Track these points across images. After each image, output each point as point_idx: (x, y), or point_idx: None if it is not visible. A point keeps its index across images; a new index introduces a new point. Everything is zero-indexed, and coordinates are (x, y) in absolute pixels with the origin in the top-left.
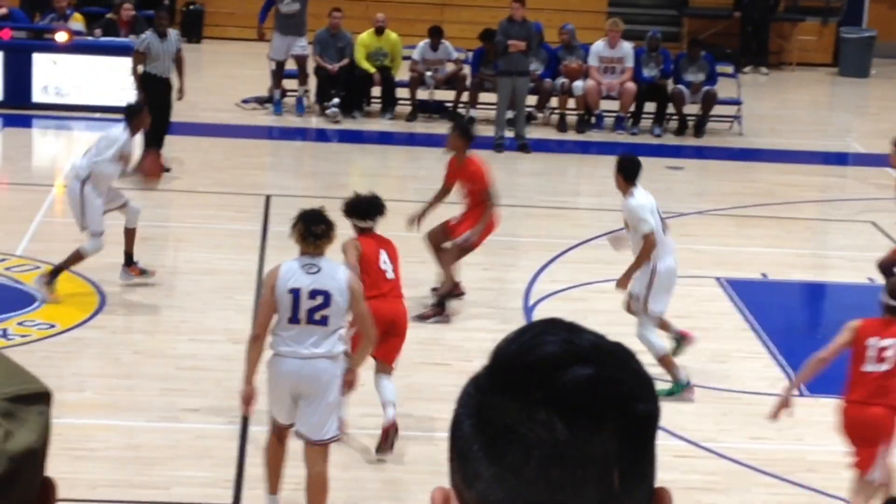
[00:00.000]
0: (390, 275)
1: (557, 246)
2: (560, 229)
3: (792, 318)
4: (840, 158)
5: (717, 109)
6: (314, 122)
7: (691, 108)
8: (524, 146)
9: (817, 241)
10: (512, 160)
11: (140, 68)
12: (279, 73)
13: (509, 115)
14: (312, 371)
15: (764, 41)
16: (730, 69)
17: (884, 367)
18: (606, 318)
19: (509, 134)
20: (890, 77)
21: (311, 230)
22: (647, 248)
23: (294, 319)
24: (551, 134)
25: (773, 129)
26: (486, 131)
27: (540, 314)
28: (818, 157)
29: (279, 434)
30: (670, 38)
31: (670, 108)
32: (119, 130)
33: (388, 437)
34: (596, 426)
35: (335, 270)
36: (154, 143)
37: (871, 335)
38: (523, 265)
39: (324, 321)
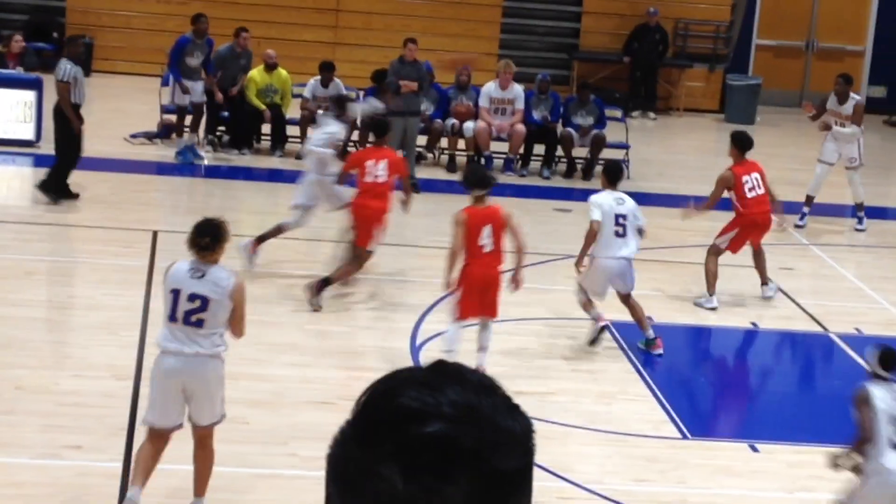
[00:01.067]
0: (488, 248)
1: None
2: None
3: (676, 361)
4: (725, 204)
5: (606, 153)
6: (204, 158)
7: (580, 151)
8: (414, 186)
9: (702, 284)
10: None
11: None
12: (200, 116)
13: (400, 154)
14: (194, 369)
15: (652, 86)
16: (618, 113)
17: None
18: (491, 358)
19: None
20: (775, 124)
21: (196, 241)
22: (587, 235)
23: (172, 318)
24: (441, 174)
25: (660, 174)
26: None
27: (427, 354)
28: (704, 202)
29: (161, 440)
30: (560, 81)
31: (560, 151)
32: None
33: None
34: (438, 483)
35: (221, 278)
36: (64, 170)
37: None
38: (411, 304)
39: (199, 323)
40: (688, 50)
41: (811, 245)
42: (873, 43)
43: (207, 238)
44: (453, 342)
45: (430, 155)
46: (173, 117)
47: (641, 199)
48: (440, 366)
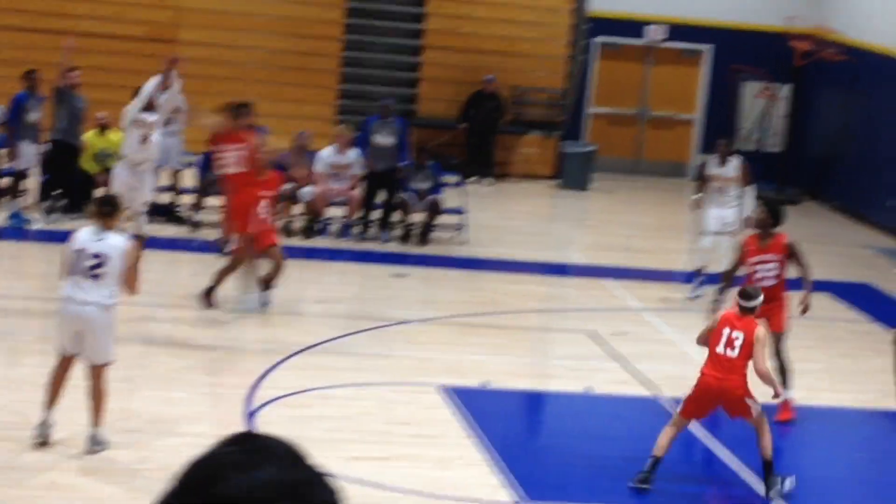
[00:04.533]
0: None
1: (281, 351)
2: (284, 335)
3: (513, 426)
4: (561, 269)
5: (443, 218)
6: (32, 222)
7: (417, 216)
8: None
9: (540, 349)
10: None
11: None
12: (19, 181)
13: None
14: (87, 315)
15: (489, 152)
16: (455, 179)
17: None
18: (330, 424)
19: None
20: (608, 191)
21: (101, 209)
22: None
23: (75, 271)
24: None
25: (496, 239)
26: (211, 235)
27: (262, 420)
28: (540, 267)
29: (64, 363)
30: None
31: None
32: None
33: None
34: None
35: (117, 240)
36: None
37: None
38: (246, 370)
39: (96, 277)
40: (524, 117)
41: (642, 311)
42: (705, 112)
43: (109, 207)
44: None
45: None
46: (6, 180)
47: (478, 264)
48: (252, 442)
